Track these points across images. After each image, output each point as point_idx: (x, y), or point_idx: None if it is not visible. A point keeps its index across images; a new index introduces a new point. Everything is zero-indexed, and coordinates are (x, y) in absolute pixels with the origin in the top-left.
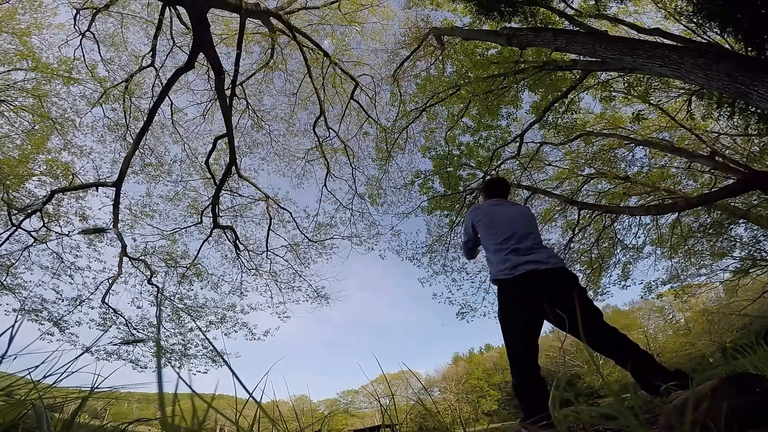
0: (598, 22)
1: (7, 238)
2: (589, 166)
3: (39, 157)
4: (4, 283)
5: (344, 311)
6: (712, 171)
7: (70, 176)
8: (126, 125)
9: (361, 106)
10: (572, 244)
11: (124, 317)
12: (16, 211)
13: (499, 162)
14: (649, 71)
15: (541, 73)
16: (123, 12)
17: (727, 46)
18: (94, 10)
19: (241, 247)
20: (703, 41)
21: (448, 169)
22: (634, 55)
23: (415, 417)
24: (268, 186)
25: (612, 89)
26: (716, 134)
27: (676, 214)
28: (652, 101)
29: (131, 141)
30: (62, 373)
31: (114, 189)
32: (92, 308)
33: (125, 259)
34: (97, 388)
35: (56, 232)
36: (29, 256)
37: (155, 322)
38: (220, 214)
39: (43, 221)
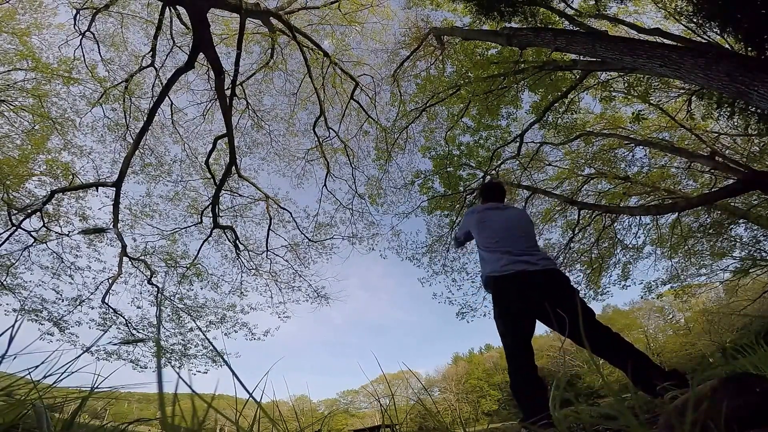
0: (598, 22)
1: (7, 238)
2: (589, 166)
3: (39, 157)
4: (4, 283)
5: (344, 311)
6: (712, 171)
7: (70, 176)
8: (126, 125)
9: (361, 106)
10: (572, 244)
11: (124, 317)
12: (16, 211)
13: (499, 162)
14: (649, 71)
15: (541, 73)
16: (123, 12)
17: (727, 46)
18: (94, 10)
19: (241, 247)
20: (703, 41)
21: (448, 169)
22: (634, 55)
23: (415, 417)
24: (268, 186)
25: (612, 89)
26: (716, 134)
27: (676, 214)
28: (652, 101)
29: (131, 141)
30: (62, 373)
31: (114, 189)
32: (92, 308)
33: (125, 259)
34: (97, 388)
35: (56, 232)
36: (29, 256)
37: (155, 322)
38: (220, 214)
39: (43, 221)
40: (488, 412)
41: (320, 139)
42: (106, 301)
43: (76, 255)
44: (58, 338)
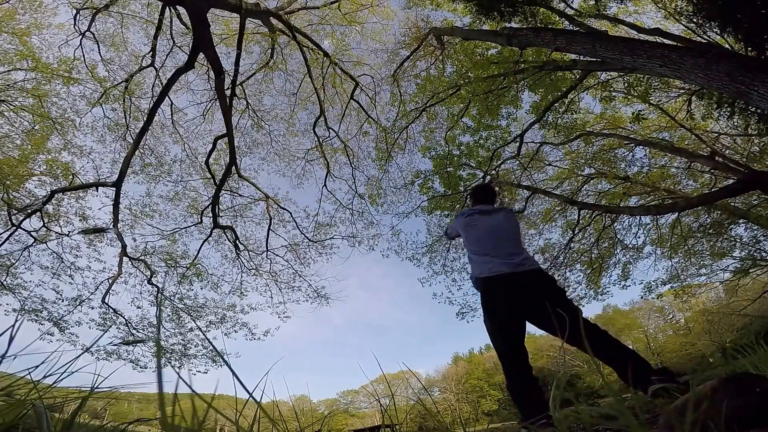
0: (598, 22)
1: (7, 238)
2: (589, 166)
3: (39, 157)
4: (4, 283)
5: (344, 311)
6: (712, 171)
7: (70, 176)
8: (126, 125)
9: (361, 106)
10: (572, 244)
11: (124, 317)
12: (16, 211)
13: (499, 162)
14: (649, 71)
15: (541, 73)
16: (123, 12)
17: (727, 46)
18: (94, 10)
19: (241, 247)
20: (703, 41)
21: (448, 169)
22: (634, 55)
23: (415, 417)
24: (268, 186)
25: (612, 89)
26: (716, 134)
27: (676, 214)
28: (652, 101)
29: (131, 141)
30: (62, 373)
31: (114, 189)
32: (92, 308)
33: (125, 259)
34: (97, 388)
35: (56, 232)
36: (29, 256)
37: (155, 322)
38: (220, 214)
39: (43, 221)
40: (488, 412)
41: (320, 139)
42: (106, 301)
43: (76, 255)
44: (58, 338)
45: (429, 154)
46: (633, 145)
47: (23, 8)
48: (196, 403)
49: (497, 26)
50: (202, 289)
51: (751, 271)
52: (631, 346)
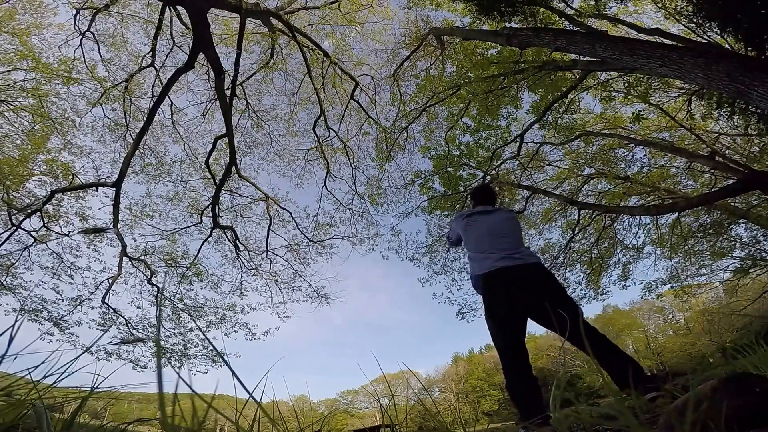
0: (598, 22)
1: (7, 238)
2: (589, 166)
3: (39, 157)
4: (4, 283)
5: (344, 311)
6: (712, 171)
7: (70, 176)
8: (126, 125)
9: (361, 106)
10: (572, 244)
11: (124, 317)
12: (16, 211)
13: (499, 162)
14: (649, 71)
15: (541, 73)
16: (123, 12)
17: (727, 46)
18: (94, 10)
19: (241, 247)
20: (703, 41)
21: (448, 169)
22: (634, 55)
23: (415, 417)
24: (268, 186)
25: (612, 89)
26: (716, 134)
27: (676, 214)
28: (652, 101)
29: (131, 141)
30: (62, 373)
31: (114, 189)
32: (92, 308)
33: (125, 259)
34: (97, 388)
35: (56, 232)
36: (29, 256)
37: (155, 322)
38: (220, 214)
39: (43, 221)
40: (488, 412)
41: (320, 139)
42: (106, 301)
43: (76, 255)
44: (58, 338)
45: (429, 154)
46: (633, 145)
47: (23, 8)
48: (196, 403)
49: (497, 26)
50: (202, 289)
51: (751, 271)
52: (631, 347)
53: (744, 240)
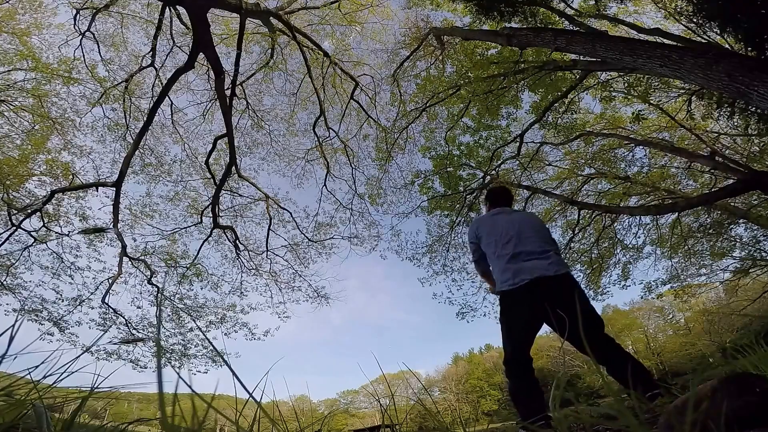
0: (598, 22)
1: (7, 238)
2: (589, 166)
3: (39, 157)
4: (4, 283)
5: (344, 312)
6: (712, 171)
7: (70, 176)
8: (126, 125)
9: (361, 106)
10: (572, 244)
11: (124, 317)
12: (16, 211)
13: (499, 162)
14: (649, 71)
15: (541, 73)
16: (123, 12)
17: (727, 46)
18: (94, 10)
19: (241, 247)
20: (703, 41)
21: (448, 169)
22: (634, 55)
23: (415, 417)
24: (268, 186)
25: (612, 89)
26: (716, 134)
27: (676, 214)
28: (652, 101)
29: (131, 141)
30: (62, 373)
31: (114, 189)
32: (92, 308)
33: (125, 259)
34: (97, 388)
35: (56, 232)
36: (29, 256)
37: (155, 322)
38: (220, 214)
39: (43, 221)
40: (488, 412)
41: (320, 139)
42: (106, 301)
43: (76, 255)
44: (58, 338)
45: (429, 154)
46: (633, 145)
47: (23, 8)
48: (196, 403)
49: (497, 26)
50: (202, 289)
51: (751, 271)
52: (631, 347)
53: (744, 240)
